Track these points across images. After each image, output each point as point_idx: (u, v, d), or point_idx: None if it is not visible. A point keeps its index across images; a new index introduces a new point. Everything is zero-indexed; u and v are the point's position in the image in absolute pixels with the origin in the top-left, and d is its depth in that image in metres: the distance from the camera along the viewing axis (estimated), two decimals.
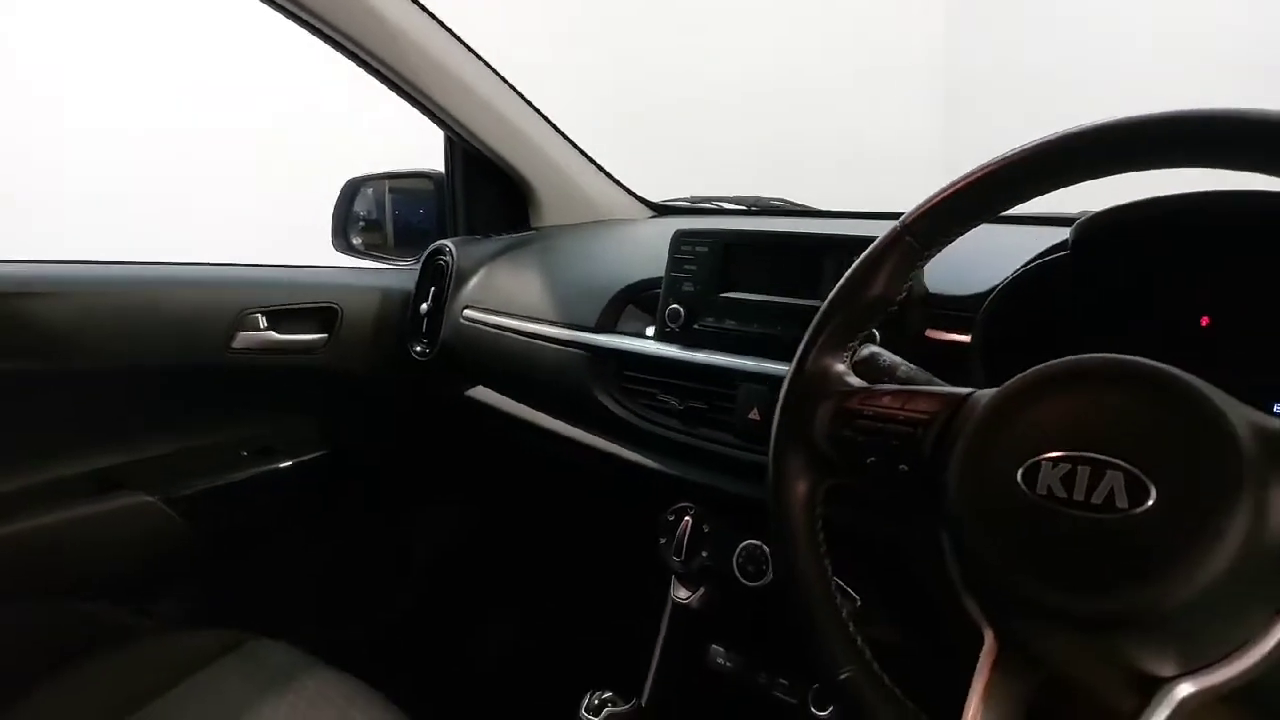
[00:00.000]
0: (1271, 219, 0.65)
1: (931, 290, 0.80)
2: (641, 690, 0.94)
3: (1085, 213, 0.71)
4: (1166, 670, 0.43)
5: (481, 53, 1.28)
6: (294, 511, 1.36)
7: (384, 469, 1.45)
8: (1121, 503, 0.43)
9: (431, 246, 1.36)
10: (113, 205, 2.32)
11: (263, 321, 1.25)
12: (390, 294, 1.38)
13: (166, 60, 2.48)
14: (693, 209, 1.50)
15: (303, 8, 1.09)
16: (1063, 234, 0.71)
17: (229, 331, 1.23)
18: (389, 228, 1.61)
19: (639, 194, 1.54)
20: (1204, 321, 0.72)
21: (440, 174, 1.49)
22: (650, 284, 1.01)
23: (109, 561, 1.19)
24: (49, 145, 2.30)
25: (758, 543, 0.89)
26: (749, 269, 0.90)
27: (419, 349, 1.33)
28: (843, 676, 0.52)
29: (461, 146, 1.38)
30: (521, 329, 1.14)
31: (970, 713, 0.47)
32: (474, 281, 1.28)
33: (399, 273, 1.42)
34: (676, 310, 0.94)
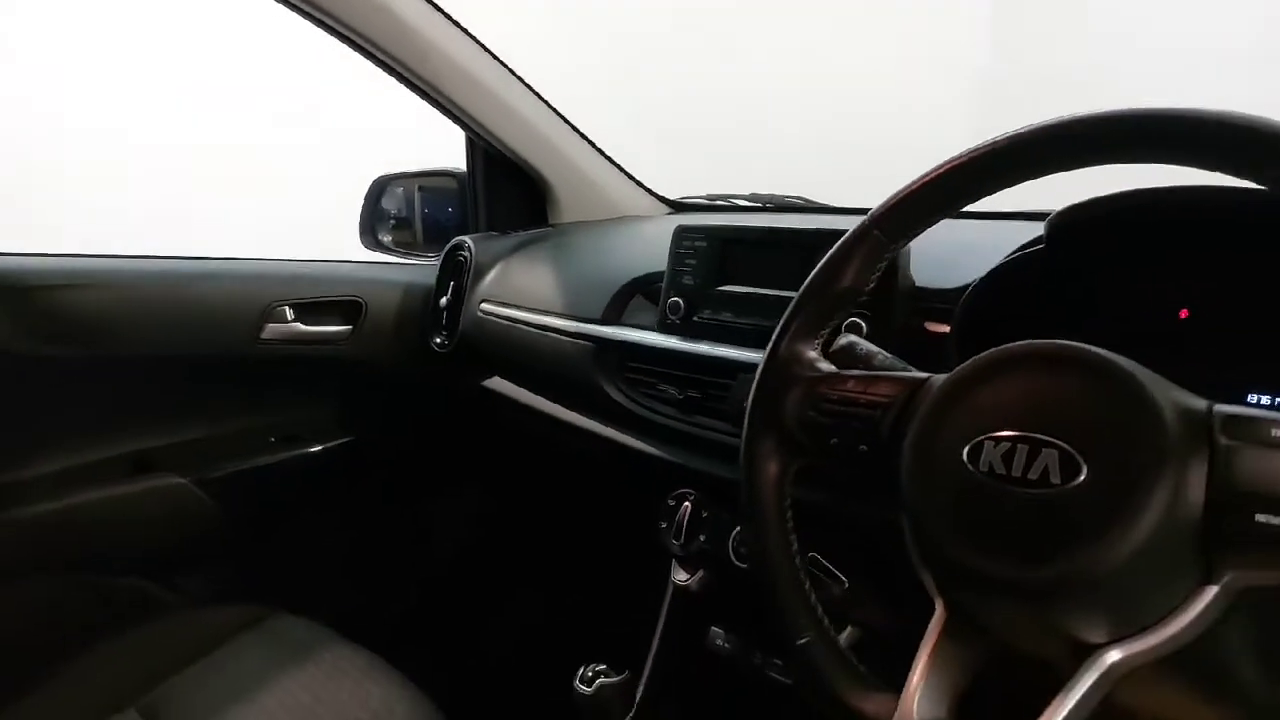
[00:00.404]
0: (1242, 213, 0.67)
1: (919, 284, 0.83)
2: (642, 667, 0.97)
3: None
4: (1097, 637, 0.45)
5: (510, 54, 1.33)
6: (318, 495, 1.41)
7: (405, 456, 1.51)
8: (1055, 478, 0.46)
9: (451, 243, 1.41)
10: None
11: (290, 314, 1.31)
12: (412, 288, 1.43)
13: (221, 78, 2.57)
14: (710, 206, 1.53)
15: (329, 14, 1.14)
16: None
17: (258, 323, 1.29)
18: (417, 225, 1.66)
19: (657, 192, 1.57)
20: (1183, 314, 0.73)
21: (463, 172, 1.54)
22: (656, 277, 1.04)
23: (141, 539, 1.25)
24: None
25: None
26: (745, 263, 0.94)
27: (439, 341, 1.38)
28: (801, 642, 0.55)
29: (482, 146, 1.42)
30: (533, 321, 1.18)
31: (915, 677, 0.50)
32: (491, 276, 1.32)
33: (421, 268, 1.48)
34: (677, 303, 0.97)
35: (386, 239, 1.59)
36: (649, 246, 1.10)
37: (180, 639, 1.07)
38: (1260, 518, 0.41)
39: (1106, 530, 0.43)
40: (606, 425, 1.10)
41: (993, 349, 0.52)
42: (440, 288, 1.39)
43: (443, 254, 1.42)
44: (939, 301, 0.80)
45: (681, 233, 0.99)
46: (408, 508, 1.52)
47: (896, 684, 0.52)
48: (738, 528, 0.93)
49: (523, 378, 1.28)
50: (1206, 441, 0.43)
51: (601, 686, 0.80)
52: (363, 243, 1.57)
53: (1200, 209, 0.68)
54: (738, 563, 0.92)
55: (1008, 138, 0.55)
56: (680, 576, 1.01)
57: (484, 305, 1.30)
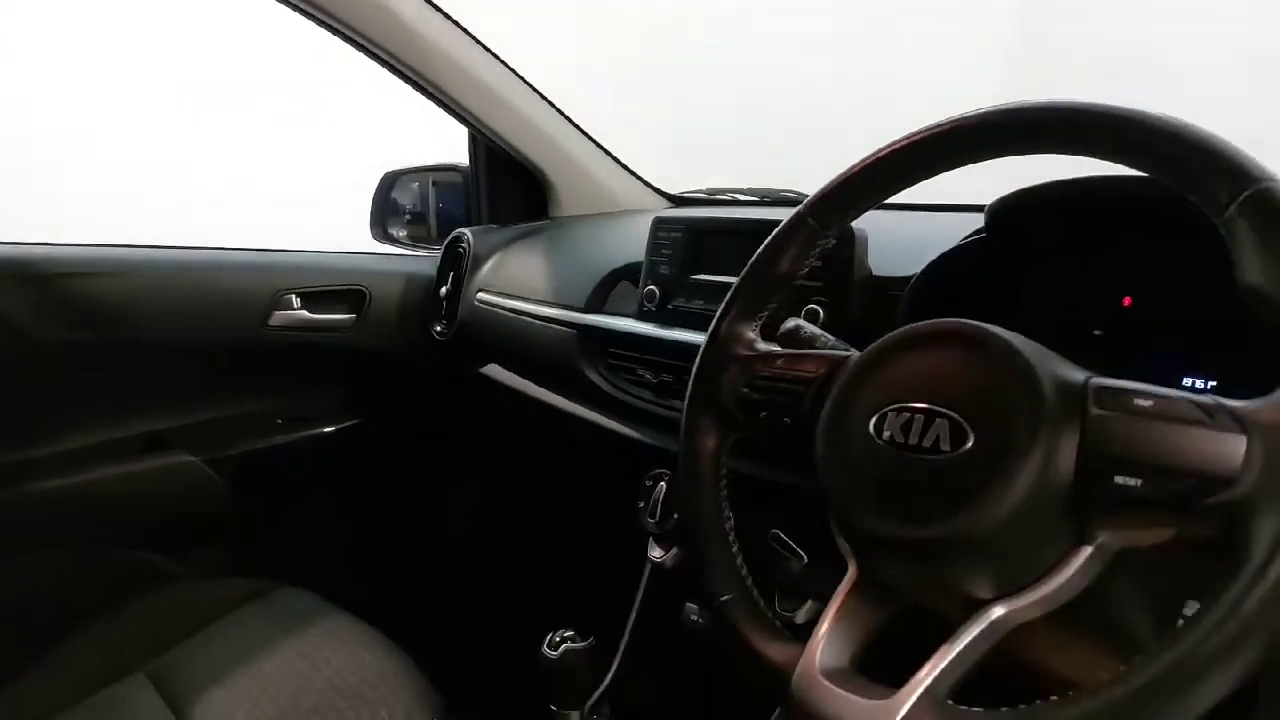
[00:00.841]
0: (1178, 203, 0.70)
1: (876, 273, 0.86)
2: (614, 636, 1.02)
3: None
4: (984, 592, 0.49)
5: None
6: (323, 475, 1.48)
7: (406, 438, 1.56)
8: (945, 446, 0.49)
9: (452, 235, 1.46)
10: None
11: (297, 302, 1.37)
12: (414, 278, 1.49)
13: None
14: (709, 200, 1.57)
15: (335, 18, 1.19)
16: None
17: (266, 310, 1.35)
18: (431, 220, 1.71)
19: (658, 187, 1.61)
20: (1126, 301, 0.76)
21: (468, 167, 1.59)
22: (638, 267, 1.09)
23: (153, 515, 1.32)
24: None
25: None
26: (716, 253, 0.98)
27: (439, 329, 1.44)
28: (724, 599, 0.60)
29: (483, 142, 1.47)
30: (524, 309, 1.23)
31: (821, 630, 0.54)
32: (487, 267, 1.38)
33: (423, 259, 1.53)
34: (653, 291, 1.01)
35: (401, 233, 1.65)
36: (633, 238, 1.14)
37: (187, 609, 1.13)
38: (1119, 479, 0.44)
39: (986, 493, 0.47)
40: (590, 409, 1.15)
41: (901, 328, 0.56)
42: (440, 278, 1.45)
43: (443, 245, 1.47)
44: (895, 290, 0.84)
45: (658, 224, 1.03)
46: (407, 488, 1.58)
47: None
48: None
49: (516, 364, 1.33)
50: (1079, 411, 0.46)
51: (566, 651, 0.84)
52: (373, 235, 1.62)
53: (1136, 198, 0.70)
54: None
55: (927, 130, 0.58)
56: (656, 553, 1.05)
57: (481, 295, 1.35)
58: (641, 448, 1.07)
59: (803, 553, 0.89)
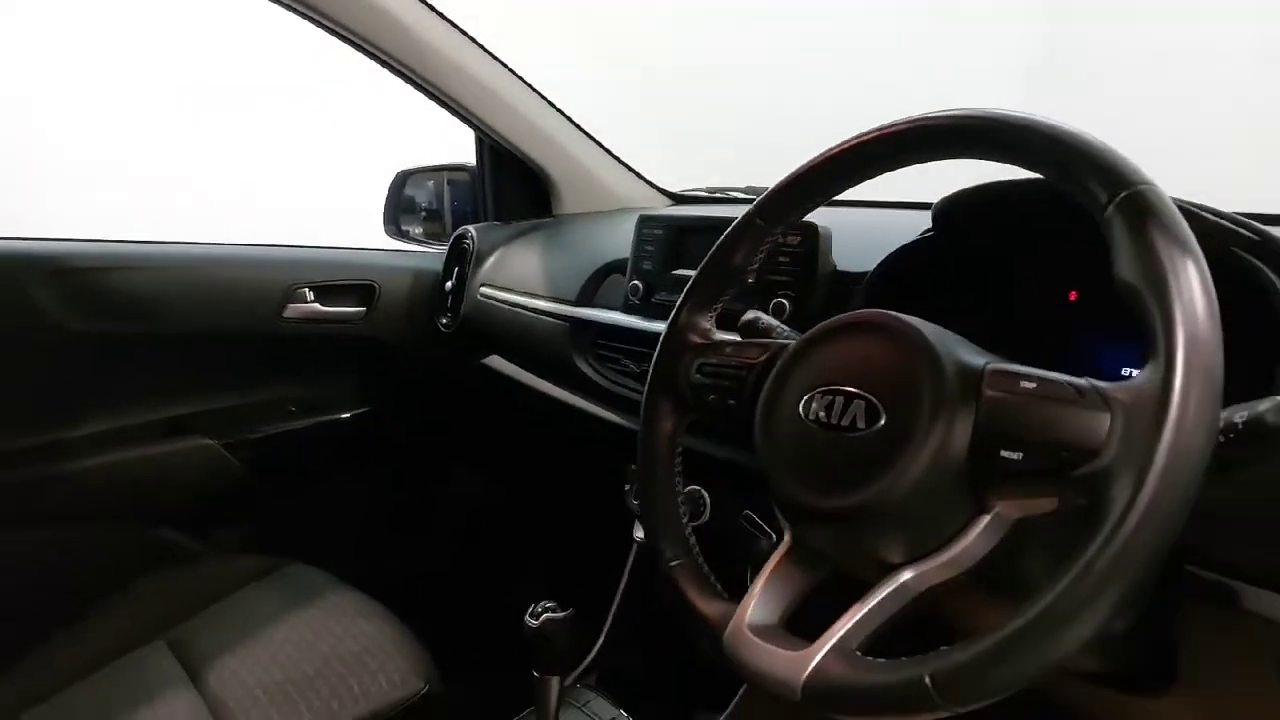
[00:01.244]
0: None
1: (840, 268, 0.91)
2: (595, 609, 1.08)
3: None
4: (895, 557, 0.54)
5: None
6: (334, 459, 1.55)
7: (413, 426, 1.63)
8: (861, 424, 0.55)
9: (457, 231, 1.53)
10: None
11: (309, 295, 1.45)
12: (422, 273, 1.56)
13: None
14: (709, 198, 1.62)
15: (345, 27, 1.26)
16: None
17: (280, 303, 1.42)
18: (446, 217, 1.78)
19: (659, 185, 1.67)
20: (1072, 296, 0.81)
21: (475, 166, 1.66)
22: (624, 263, 1.15)
23: (174, 495, 1.40)
24: None
25: (698, 487, 1.01)
26: (696, 249, 1.03)
27: (444, 322, 1.50)
28: (672, 564, 0.65)
29: (488, 143, 1.54)
30: (522, 303, 1.29)
31: (753, 590, 0.59)
32: (490, 262, 1.44)
33: (430, 255, 1.60)
34: (637, 285, 1.07)
35: (418, 230, 1.72)
36: (623, 235, 1.20)
37: (205, 583, 1.21)
38: (1004, 453, 0.50)
39: (893, 466, 0.52)
40: (582, 398, 1.21)
41: (830, 319, 0.61)
42: (446, 273, 1.52)
43: (449, 242, 1.54)
44: (856, 284, 0.89)
45: (642, 223, 1.09)
46: (413, 472, 1.65)
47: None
48: (688, 488, 1.03)
49: (515, 355, 1.39)
50: (975, 393, 0.52)
51: (546, 620, 0.90)
52: (386, 232, 1.69)
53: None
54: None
55: (857, 139, 0.63)
56: (640, 534, 1.11)
57: (483, 289, 1.41)
58: (629, 434, 1.12)
59: (772, 532, 0.95)
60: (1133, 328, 0.76)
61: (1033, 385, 0.50)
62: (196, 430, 1.41)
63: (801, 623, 0.59)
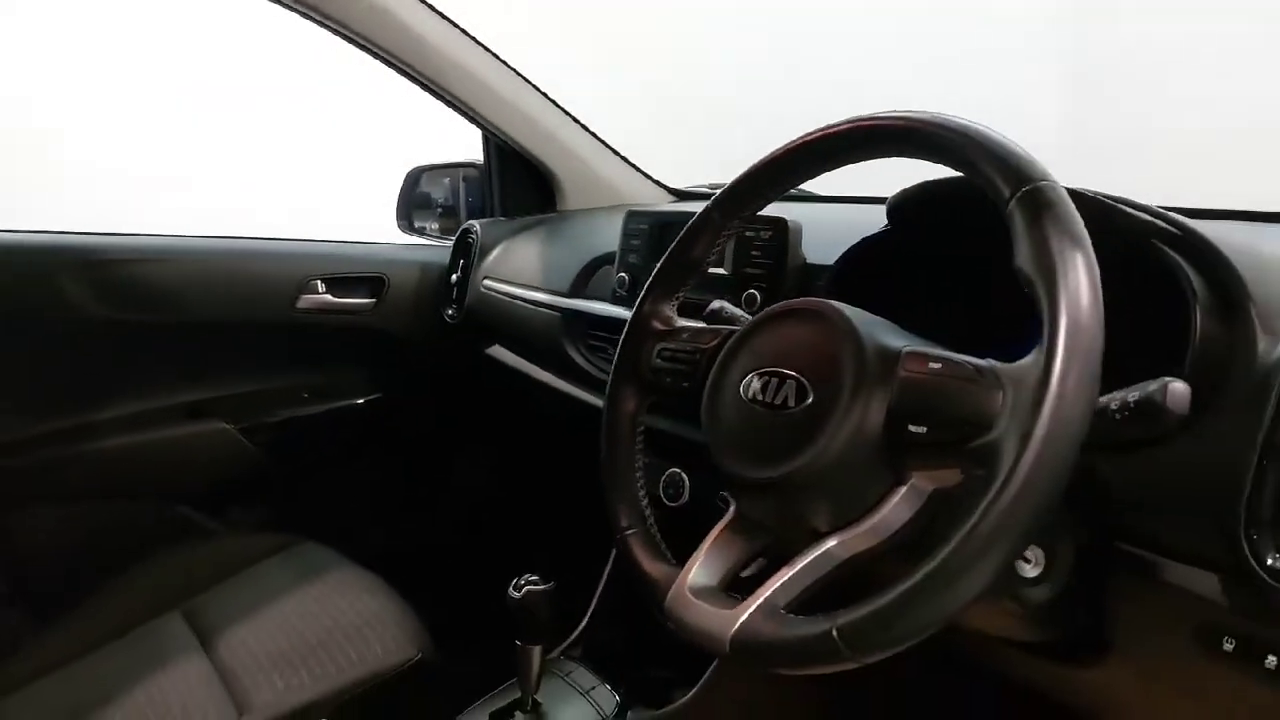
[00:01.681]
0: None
1: (809, 261, 0.96)
2: (577, 582, 1.13)
3: None
4: (822, 525, 0.59)
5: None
6: (345, 444, 1.62)
7: (420, 413, 1.70)
8: (792, 403, 0.60)
9: (462, 226, 1.59)
10: None
11: (322, 287, 1.52)
12: (429, 266, 1.62)
13: None
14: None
15: (354, 31, 1.32)
16: None
17: (294, 295, 1.49)
18: (462, 214, 1.84)
19: (663, 182, 1.71)
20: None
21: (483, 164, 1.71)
22: (613, 256, 1.20)
23: (193, 475, 1.48)
24: None
25: (678, 470, 1.06)
26: None
27: (450, 313, 1.57)
28: (627, 532, 0.70)
29: (494, 141, 1.59)
30: (520, 295, 1.35)
31: (696, 556, 0.64)
32: (493, 256, 1.50)
33: (437, 248, 1.66)
34: (623, 278, 1.12)
35: (434, 225, 1.78)
36: (616, 230, 1.25)
37: (219, 559, 1.28)
38: (912, 428, 0.54)
39: (817, 440, 0.57)
40: (575, 386, 1.26)
41: (771, 306, 0.66)
42: (452, 266, 1.58)
43: (455, 236, 1.60)
44: (823, 276, 0.93)
45: (629, 218, 1.14)
46: (420, 457, 1.71)
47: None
48: (667, 470, 1.08)
49: (515, 345, 1.45)
50: (892, 373, 0.56)
51: (528, 593, 0.95)
52: (399, 227, 1.75)
53: None
54: (666, 502, 1.07)
55: (811, 136, 0.68)
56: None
57: (486, 281, 1.47)
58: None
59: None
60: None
61: (939, 365, 0.54)
62: (214, 415, 1.49)
63: (741, 588, 0.64)
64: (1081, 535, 0.66)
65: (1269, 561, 0.54)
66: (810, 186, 1.46)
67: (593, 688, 1.04)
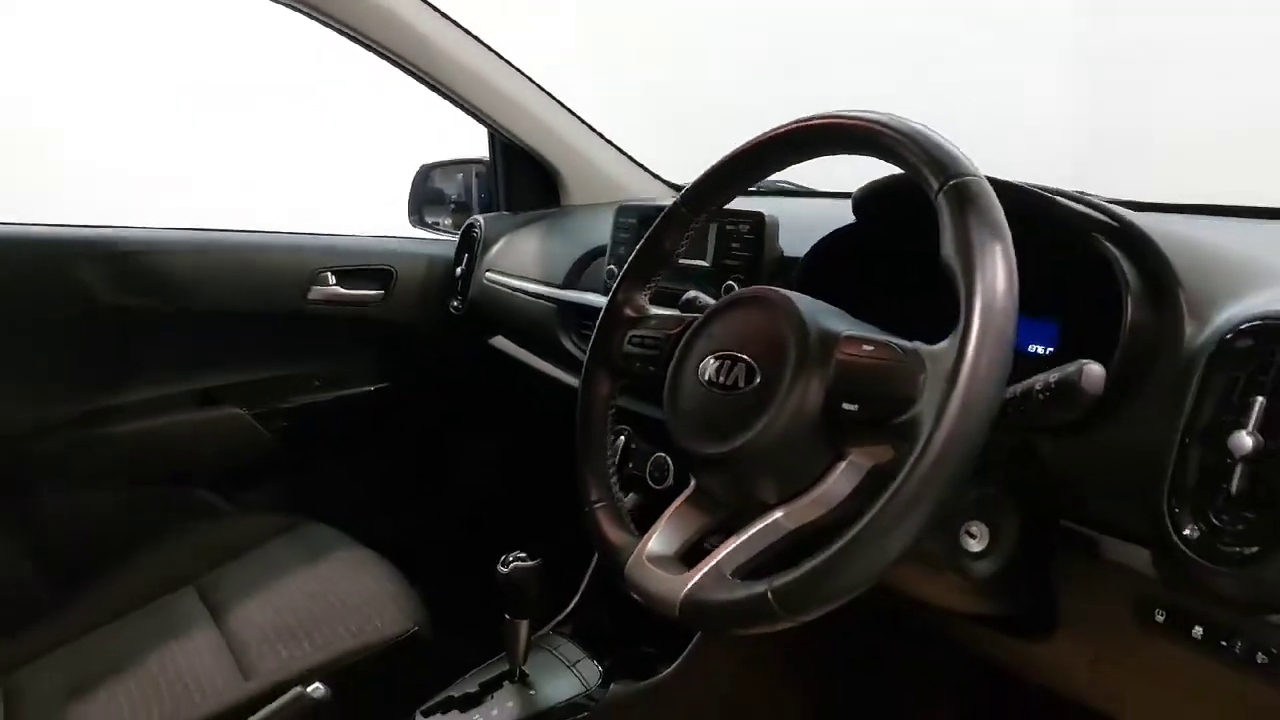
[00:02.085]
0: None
1: (786, 253, 1.00)
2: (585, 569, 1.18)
3: None
4: (770, 498, 0.63)
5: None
6: (353, 430, 1.68)
7: (426, 401, 1.75)
8: (742, 383, 0.64)
9: (467, 221, 1.64)
10: None
11: (332, 279, 1.58)
12: (435, 259, 1.68)
13: None
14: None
15: (362, 34, 1.37)
16: None
17: (305, 286, 1.56)
18: (475, 209, 1.89)
19: (665, 178, 1.75)
20: None
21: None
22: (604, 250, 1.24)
23: (208, 459, 1.54)
24: None
25: (664, 454, 1.10)
26: None
27: (455, 304, 1.62)
28: (595, 505, 0.75)
29: (499, 139, 1.64)
30: (520, 287, 1.40)
31: (656, 527, 0.69)
32: (495, 249, 1.55)
33: (444, 242, 1.72)
34: (613, 270, 1.17)
35: (446, 221, 1.83)
36: (608, 224, 1.29)
37: (231, 538, 1.34)
38: (845, 406, 0.58)
39: (762, 418, 0.61)
40: (569, 374, 1.31)
41: (728, 295, 0.70)
42: (457, 259, 1.63)
43: (460, 230, 1.66)
44: (796, 268, 0.97)
45: (619, 212, 1.18)
46: (425, 443, 1.77)
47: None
48: (654, 455, 1.12)
49: (515, 335, 1.50)
50: (830, 356, 0.60)
51: (515, 568, 1.00)
52: (410, 222, 1.81)
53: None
54: (653, 485, 1.11)
55: (764, 137, 0.72)
56: (624, 499, 1.20)
57: (489, 274, 1.52)
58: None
59: None
60: (1043, 308, 0.84)
61: (871, 348, 0.59)
62: (228, 401, 1.55)
63: (697, 558, 0.68)
64: (1025, 513, 0.70)
65: (1185, 532, 0.58)
66: (804, 181, 1.51)
67: (578, 661, 1.09)
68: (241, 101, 2.84)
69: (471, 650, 1.11)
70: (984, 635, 0.84)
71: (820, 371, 0.60)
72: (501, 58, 1.53)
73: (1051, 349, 0.82)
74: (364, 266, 1.61)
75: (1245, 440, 0.55)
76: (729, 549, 0.62)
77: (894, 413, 0.55)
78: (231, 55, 2.79)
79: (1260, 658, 0.60)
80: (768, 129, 0.71)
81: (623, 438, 1.18)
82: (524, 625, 1.03)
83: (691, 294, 0.86)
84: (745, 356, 0.64)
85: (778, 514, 0.62)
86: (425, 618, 1.15)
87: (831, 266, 0.91)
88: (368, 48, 1.40)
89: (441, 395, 1.76)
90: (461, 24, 1.47)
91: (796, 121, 0.68)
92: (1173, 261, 0.67)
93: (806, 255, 0.91)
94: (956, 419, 0.51)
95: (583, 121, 1.65)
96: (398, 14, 1.37)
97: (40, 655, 1.13)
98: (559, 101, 1.61)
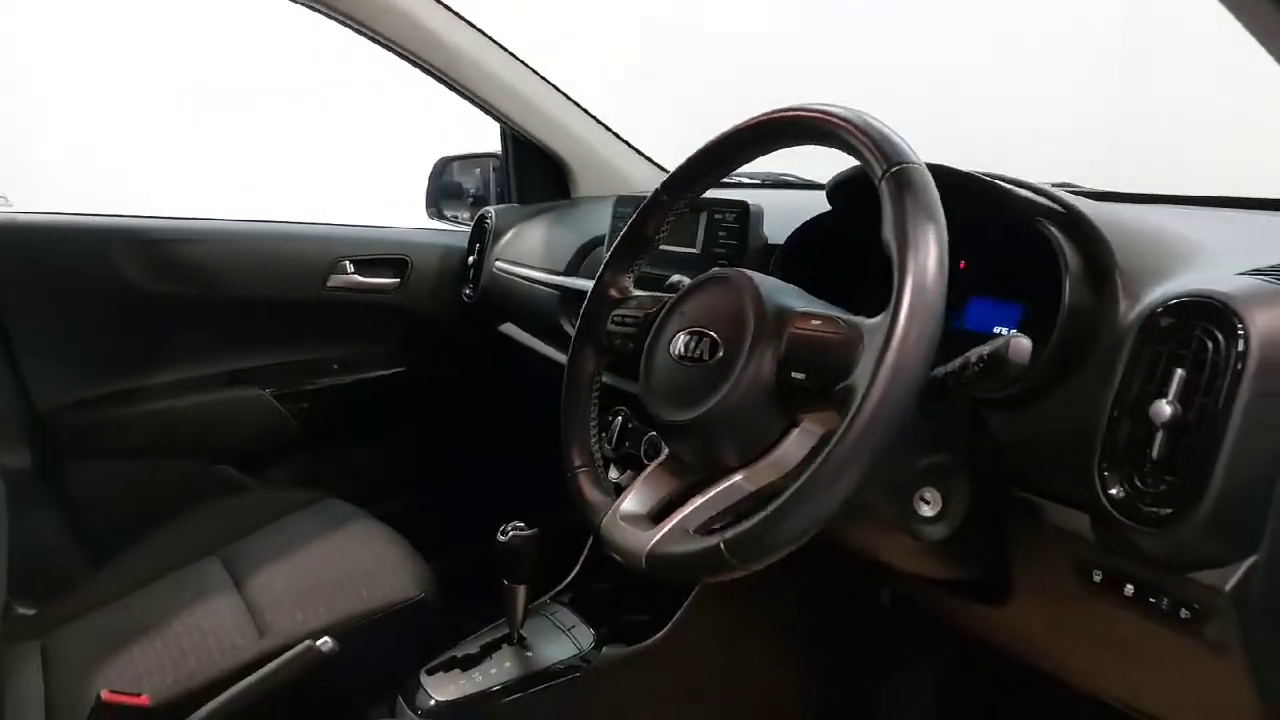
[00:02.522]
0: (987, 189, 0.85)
1: (770, 241, 1.05)
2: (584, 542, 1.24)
3: None
4: (731, 461, 0.69)
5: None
6: (370, 411, 1.76)
7: (440, 383, 1.83)
8: (707, 356, 0.70)
9: (480, 212, 1.71)
10: None
11: (350, 267, 1.65)
12: (449, 249, 1.75)
13: None
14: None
15: (379, 34, 1.44)
16: None
17: (325, 274, 1.64)
18: (491, 200, 1.96)
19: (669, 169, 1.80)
20: (961, 265, 0.93)
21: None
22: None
23: (233, 437, 1.62)
24: None
25: (658, 433, 1.16)
26: None
27: (467, 292, 1.69)
28: (579, 469, 0.81)
29: (510, 133, 1.71)
30: (525, 275, 1.46)
31: (629, 490, 0.75)
32: (505, 239, 1.62)
33: (456, 233, 1.79)
34: None
35: (465, 215, 1.90)
36: (609, 214, 1.35)
37: (254, 511, 1.42)
38: (794, 375, 0.64)
39: (723, 387, 0.67)
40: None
41: (699, 275, 0.76)
42: (469, 249, 1.70)
43: (471, 222, 1.72)
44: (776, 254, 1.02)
45: (617, 203, 1.24)
46: (437, 424, 1.84)
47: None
48: (648, 434, 1.18)
49: (523, 321, 1.57)
50: (783, 330, 0.66)
51: (514, 537, 1.06)
52: (428, 214, 1.88)
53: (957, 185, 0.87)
54: (645, 461, 1.17)
55: (737, 128, 0.77)
56: (613, 475, 1.27)
57: (498, 264, 1.59)
58: (608, 390, 1.28)
59: None
60: (1010, 291, 0.88)
61: (819, 323, 0.64)
62: (252, 382, 1.63)
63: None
64: (976, 481, 0.75)
65: (1112, 491, 0.63)
66: (799, 172, 1.56)
67: (573, 626, 1.15)
68: (240, 101, 2.90)
69: (474, 617, 1.18)
70: (954, 605, 0.89)
71: (774, 344, 0.66)
72: (512, 54, 1.59)
73: (1014, 329, 0.87)
74: (381, 256, 1.69)
75: (1165, 409, 0.60)
76: (692, 507, 0.68)
77: (835, 381, 0.61)
78: (228, 56, 2.84)
79: (1184, 613, 0.65)
80: (731, 125, 0.77)
81: (620, 418, 1.24)
82: (521, 590, 1.09)
83: (676, 278, 0.92)
84: (711, 332, 0.70)
85: (738, 476, 0.68)
86: (433, 586, 1.21)
87: (809, 251, 0.97)
88: (386, 47, 1.48)
89: (454, 379, 1.83)
90: (474, 22, 1.53)
91: (761, 115, 0.73)
92: (1113, 245, 0.71)
93: (785, 243, 0.97)
94: (886, 386, 0.56)
95: (592, 116, 1.71)
96: (413, 14, 1.44)
97: (75, 619, 1.21)
98: (568, 96, 1.67)
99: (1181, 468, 0.60)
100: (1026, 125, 2.23)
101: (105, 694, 0.96)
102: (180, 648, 1.11)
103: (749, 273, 0.72)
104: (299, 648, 0.99)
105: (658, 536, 0.68)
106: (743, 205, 1.05)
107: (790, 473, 0.67)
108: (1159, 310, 0.63)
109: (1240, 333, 0.58)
